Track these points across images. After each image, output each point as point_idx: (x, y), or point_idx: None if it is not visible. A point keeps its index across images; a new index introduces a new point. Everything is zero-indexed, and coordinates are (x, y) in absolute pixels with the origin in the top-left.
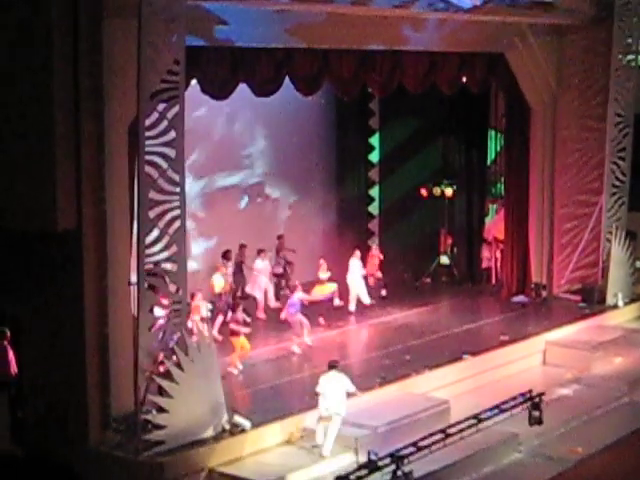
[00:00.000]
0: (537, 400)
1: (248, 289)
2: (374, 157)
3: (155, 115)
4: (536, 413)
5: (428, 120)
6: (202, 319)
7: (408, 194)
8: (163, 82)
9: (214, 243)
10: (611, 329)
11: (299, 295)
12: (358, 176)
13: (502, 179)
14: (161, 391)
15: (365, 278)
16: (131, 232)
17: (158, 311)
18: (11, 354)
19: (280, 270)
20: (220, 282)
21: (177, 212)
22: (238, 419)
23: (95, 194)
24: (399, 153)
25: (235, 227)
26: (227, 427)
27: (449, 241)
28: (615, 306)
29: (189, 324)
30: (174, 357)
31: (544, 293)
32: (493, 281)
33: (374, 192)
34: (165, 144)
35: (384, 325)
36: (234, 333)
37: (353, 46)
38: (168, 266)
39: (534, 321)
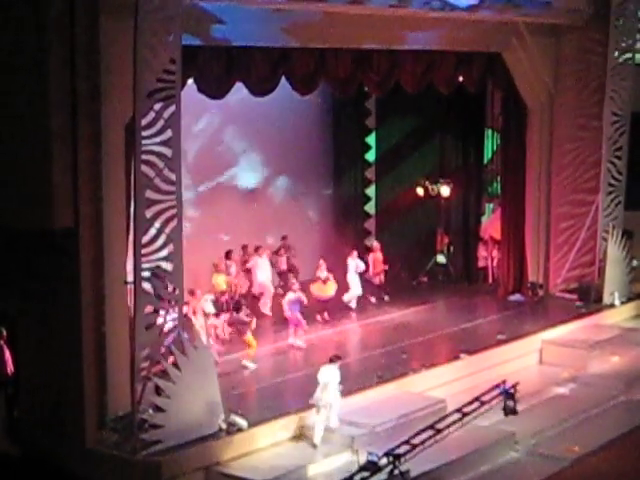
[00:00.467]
0: (511, 390)
1: (253, 289)
2: (370, 156)
3: (151, 114)
4: (510, 403)
5: (425, 119)
6: (206, 315)
7: (405, 193)
8: (159, 81)
9: (210, 244)
10: (608, 328)
11: (297, 295)
12: (355, 175)
13: (499, 178)
14: (158, 390)
15: (370, 276)
16: (128, 231)
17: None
18: (7, 353)
19: (284, 267)
20: (222, 282)
21: (174, 211)
22: (235, 418)
23: (92, 193)
24: (396, 152)
25: (232, 227)
26: (224, 426)
27: (446, 240)
28: (612, 305)
29: (193, 320)
30: (171, 356)
31: (541, 292)
32: (490, 280)
33: (370, 191)
34: (161, 143)
35: (381, 324)
36: (241, 332)
37: (349, 45)
38: (165, 265)
39: (531, 320)
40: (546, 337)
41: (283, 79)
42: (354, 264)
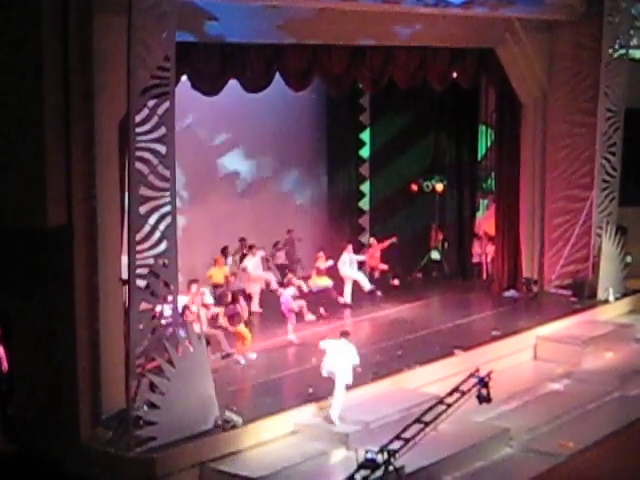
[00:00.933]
0: (486, 379)
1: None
2: (365, 153)
3: (145, 111)
4: (484, 391)
5: (419, 116)
6: (204, 305)
7: (399, 189)
8: (153, 78)
9: (205, 241)
10: (602, 324)
11: (292, 290)
12: (349, 172)
13: (493, 174)
14: (152, 387)
15: (367, 268)
16: (122, 228)
17: (149, 307)
18: (1, 350)
19: (281, 262)
20: (218, 275)
21: (168, 208)
22: (229, 415)
23: (86, 190)
24: (390, 149)
25: (226, 224)
26: (219, 423)
27: (440, 236)
28: (606, 301)
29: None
30: (165, 353)
31: (535, 288)
32: (484, 276)
33: (365, 187)
34: (156, 140)
35: (375, 320)
36: (234, 323)
37: (343, 42)
38: (159, 262)
39: (525, 316)
40: (540, 333)
41: (277, 75)
42: (348, 258)
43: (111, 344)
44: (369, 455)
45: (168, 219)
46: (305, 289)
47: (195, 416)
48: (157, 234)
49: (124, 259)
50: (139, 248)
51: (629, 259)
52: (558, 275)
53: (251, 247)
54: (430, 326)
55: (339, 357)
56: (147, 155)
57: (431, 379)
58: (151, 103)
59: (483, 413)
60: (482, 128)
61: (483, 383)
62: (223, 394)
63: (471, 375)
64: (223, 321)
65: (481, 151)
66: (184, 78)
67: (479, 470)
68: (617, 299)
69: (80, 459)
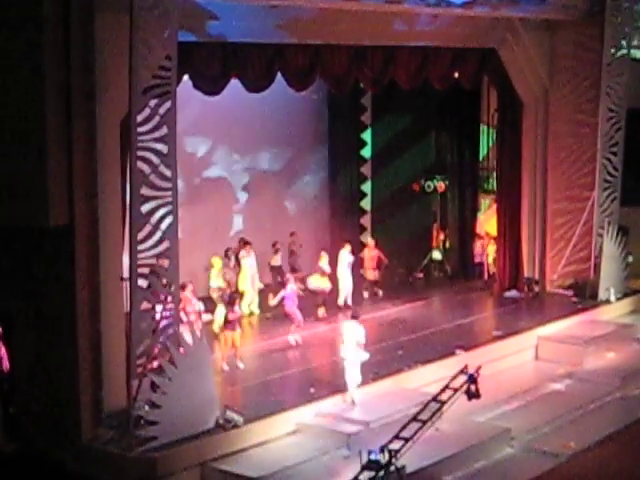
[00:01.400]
0: (475, 375)
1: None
2: (366, 152)
3: (147, 111)
4: (472, 387)
5: (420, 115)
6: (195, 312)
7: (400, 189)
8: (155, 78)
9: (203, 241)
10: (603, 324)
11: (292, 287)
12: (350, 171)
13: (494, 174)
14: (154, 387)
15: (360, 272)
16: (123, 228)
17: (150, 307)
18: (3, 350)
19: (276, 264)
20: (218, 278)
21: (169, 207)
22: (230, 414)
23: (87, 190)
24: (391, 148)
25: (226, 224)
26: (220, 422)
27: (441, 236)
28: (607, 301)
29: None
30: (167, 353)
31: (536, 288)
32: (485, 276)
33: (366, 187)
34: (157, 140)
35: (377, 320)
36: (230, 327)
37: (345, 41)
38: (160, 262)
39: (526, 316)
40: (542, 333)
41: (279, 75)
42: (345, 257)
43: (112, 343)
44: (372, 456)
45: (169, 218)
46: (302, 292)
47: (196, 416)
48: (158, 233)
49: (125, 258)
50: (140, 247)
51: (630, 259)
52: (559, 275)
53: (246, 244)
54: (431, 326)
55: (349, 338)
56: (148, 155)
57: (432, 379)
58: (152, 103)
59: (484, 413)
60: (484, 128)
61: (472, 379)
62: (224, 394)
63: (460, 372)
64: (216, 326)
65: (482, 151)
66: (185, 78)
67: (480, 470)
68: (618, 299)
69: (81, 458)
